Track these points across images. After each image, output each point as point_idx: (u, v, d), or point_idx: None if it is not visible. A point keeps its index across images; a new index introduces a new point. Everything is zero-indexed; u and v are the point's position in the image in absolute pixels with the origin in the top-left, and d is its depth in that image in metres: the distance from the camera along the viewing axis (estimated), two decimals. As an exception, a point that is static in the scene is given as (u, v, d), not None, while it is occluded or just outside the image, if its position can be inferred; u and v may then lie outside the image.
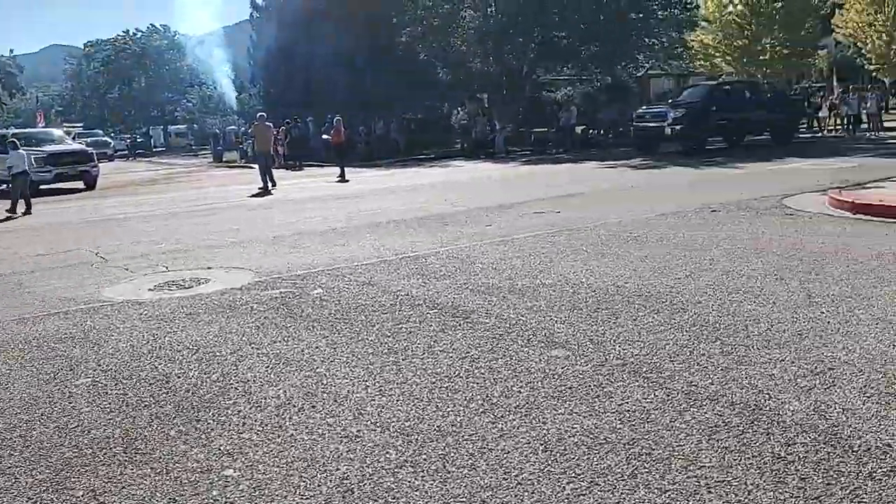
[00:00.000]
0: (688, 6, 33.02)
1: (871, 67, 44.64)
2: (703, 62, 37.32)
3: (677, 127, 21.23)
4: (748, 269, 6.67)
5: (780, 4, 35.83)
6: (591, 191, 14.37)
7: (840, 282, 6.00)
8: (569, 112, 28.87)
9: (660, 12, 32.49)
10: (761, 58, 35.90)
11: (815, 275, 6.30)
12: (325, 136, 26.34)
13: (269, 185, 18.68)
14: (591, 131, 30.57)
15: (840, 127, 27.81)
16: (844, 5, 42.47)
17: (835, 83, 39.50)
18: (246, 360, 4.91)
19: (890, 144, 21.61)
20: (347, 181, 20.33)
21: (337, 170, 21.66)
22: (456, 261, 7.87)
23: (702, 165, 18.16)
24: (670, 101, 23.52)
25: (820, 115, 29.07)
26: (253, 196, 17.66)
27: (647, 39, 33.20)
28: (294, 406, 4.05)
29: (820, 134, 28.19)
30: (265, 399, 4.18)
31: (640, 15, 32.38)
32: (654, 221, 9.92)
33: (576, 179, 16.96)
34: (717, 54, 36.61)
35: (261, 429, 3.78)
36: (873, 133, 26.18)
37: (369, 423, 3.76)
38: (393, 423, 3.73)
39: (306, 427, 3.75)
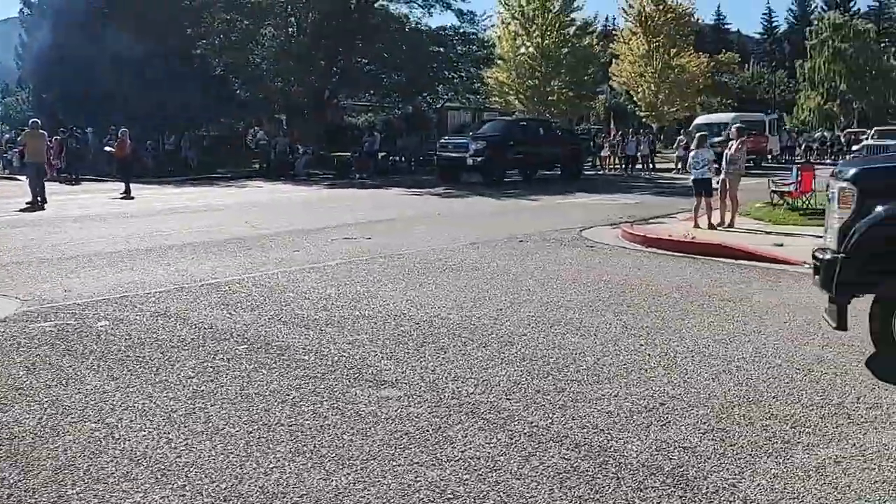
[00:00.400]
0: (486, 44, 34.56)
1: (642, 114, 49.65)
2: (497, 98, 39.20)
3: (478, 158, 21.90)
4: (564, 300, 6.75)
5: (566, 50, 38.65)
6: (398, 217, 14.23)
7: (651, 313, 6.22)
8: (372, 137, 28.84)
9: (459, 47, 33.65)
10: (550, 98, 38.41)
11: (626, 306, 6.49)
12: (107, 149, 24.03)
13: (40, 199, 16.59)
14: (391, 158, 30.77)
15: (619, 166, 30.32)
16: (619, 56, 47.01)
17: (612, 126, 43.24)
18: (11, 409, 4.02)
19: (662, 183, 23.81)
20: (133, 198, 18.60)
21: (120, 186, 19.77)
22: (264, 289, 7.25)
23: (502, 196, 18.81)
24: (471, 133, 24.28)
25: (602, 154, 31.58)
26: (21, 211, 15.55)
27: (446, 73, 34.18)
28: (77, 470, 3.30)
29: (601, 171, 30.55)
30: (37, 462, 3.38)
31: (442, 49, 33.32)
32: (467, 250, 9.92)
33: (382, 205, 16.79)
34: (511, 92, 38.64)
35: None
36: (647, 172, 28.88)
37: (175, 487, 3.13)
38: (206, 487, 3.13)
39: (94, 497, 3.05)
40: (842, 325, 4.71)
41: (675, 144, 28.85)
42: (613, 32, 47.54)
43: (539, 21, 38.44)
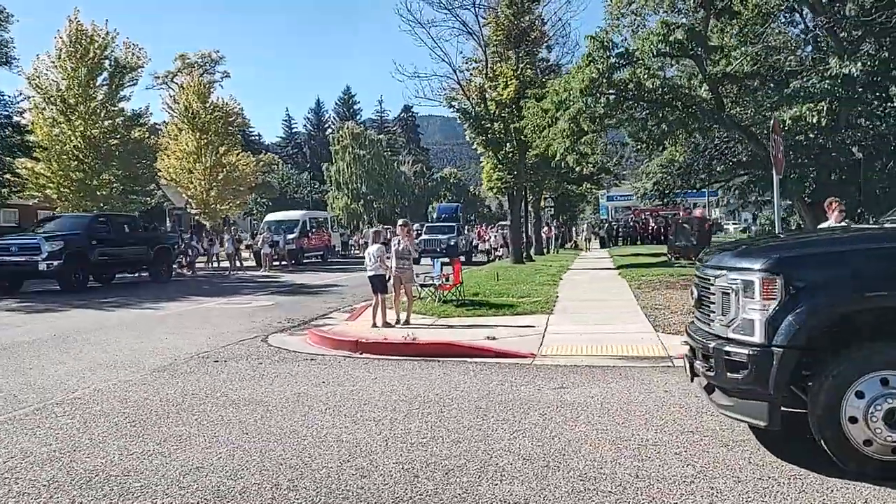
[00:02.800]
0: (21, 129, 29.29)
1: (193, 211, 47.92)
2: (34, 192, 33.54)
3: (55, 262, 17.91)
4: (423, 437, 5.45)
5: (114, 142, 35.27)
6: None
7: (517, 432, 5.35)
8: None
9: (-11, 131, 27.90)
10: (99, 192, 34.37)
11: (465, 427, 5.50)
12: None
13: None
14: None
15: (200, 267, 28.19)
16: (167, 149, 44.83)
17: (167, 223, 40.59)
18: None
19: (265, 282, 22.72)
20: None
21: None
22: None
23: (106, 306, 15.61)
24: (38, 231, 19.77)
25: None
26: None
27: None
28: None
29: (188, 273, 27.88)
30: None
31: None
32: (156, 381, 7.68)
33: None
34: (51, 185, 33.50)
35: None
36: (234, 272, 27.36)
37: None
38: None
39: None
40: (775, 422, 4.54)
41: (260, 241, 28.10)
42: (157, 127, 45.18)
43: (82, 109, 34.40)
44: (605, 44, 13.92)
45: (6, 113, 29.39)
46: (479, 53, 26.38)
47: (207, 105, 46.09)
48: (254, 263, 30.49)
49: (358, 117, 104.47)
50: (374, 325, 11.46)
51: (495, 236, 37.26)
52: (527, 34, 23.49)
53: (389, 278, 12.01)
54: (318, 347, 10.09)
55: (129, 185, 35.98)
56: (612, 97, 14.21)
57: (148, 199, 39.58)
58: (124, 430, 5.69)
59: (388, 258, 12.06)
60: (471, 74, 25.10)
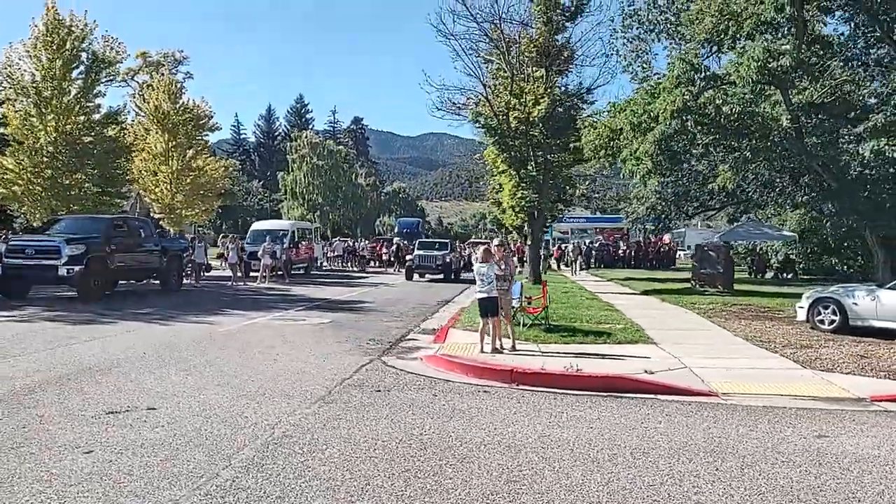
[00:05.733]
0: (-2, 121, 27.20)
1: (157, 216, 45.69)
2: (2, 189, 31.18)
3: (75, 268, 16.34)
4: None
5: (89, 139, 33.27)
6: (106, 365, 9.33)
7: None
8: None
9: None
10: (72, 192, 32.29)
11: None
12: None
13: None
14: None
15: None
16: (134, 152, 42.63)
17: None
18: None
19: (283, 295, 21.51)
20: None
21: None
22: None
23: (151, 320, 14.27)
24: (57, 233, 17.94)
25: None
26: None
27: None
28: None
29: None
30: None
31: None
32: (346, 415, 6.89)
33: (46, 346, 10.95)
34: (20, 182, 31.24)
35: None
36: (234, 283, 25.84)
37: None
38: None
39: None
40: None
41: (261, 251, 26.58)
42: (123, 127, 42.82)
43: (55, 103, 32.28)
44: (696, 66, 13.64)
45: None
46: (494, 70, 25.91)
47: (178, 106, 44.17)
48: (228, 273, 28.80)
49: (310, 126, 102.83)
50: (483, 351, 10.76)
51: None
52: (561, 52, 23.15)
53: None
54: (456, 375, 9.32)
55: (104, 185, 33.92)
56: (695, 120, 13.93)
57: (122, 201, 37.44)
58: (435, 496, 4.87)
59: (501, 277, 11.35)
60: (494, 91, 24.53)
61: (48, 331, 12.21)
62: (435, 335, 12.96)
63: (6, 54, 32.37)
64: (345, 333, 12.99)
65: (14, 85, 32.40)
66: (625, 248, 49.57)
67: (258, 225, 34.53)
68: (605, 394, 8.27)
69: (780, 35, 13.57)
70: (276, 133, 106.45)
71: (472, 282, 11.97)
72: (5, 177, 31.16)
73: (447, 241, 34.66)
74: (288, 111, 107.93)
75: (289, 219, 71.71)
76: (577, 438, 6.18)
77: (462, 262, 35.86)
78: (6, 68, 32.07)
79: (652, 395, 8.25)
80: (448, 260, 31.73)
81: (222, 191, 48.11)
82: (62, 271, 16.31)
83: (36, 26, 32.79)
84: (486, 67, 26.16)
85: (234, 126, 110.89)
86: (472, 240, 61.80)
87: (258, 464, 5.30)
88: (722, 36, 12.94)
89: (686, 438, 6.29)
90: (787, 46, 13.32)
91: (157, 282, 20.94)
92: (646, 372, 9.29)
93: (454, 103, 25.59)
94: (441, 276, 31.11)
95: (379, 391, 8.02)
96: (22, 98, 32.45)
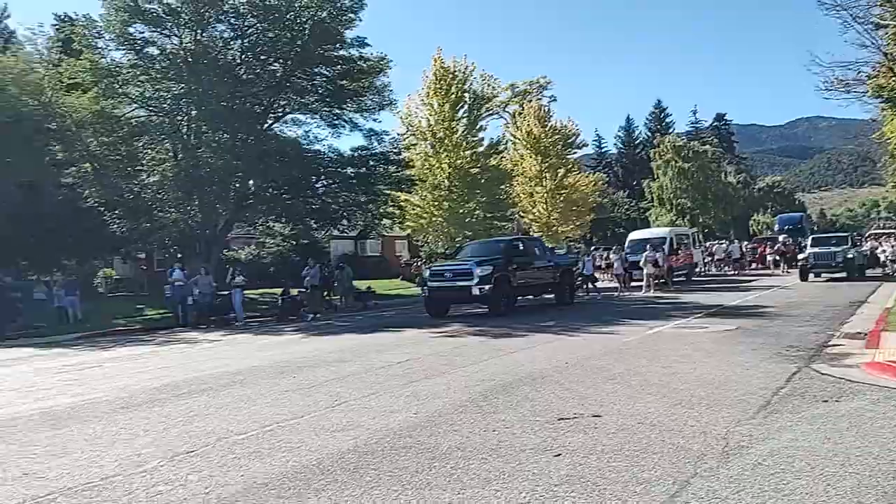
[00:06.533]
0: (406, 164, 31.60)
1: (536, 233, 48.64)
2: (412, 223, 36.19)
3: (485, 287, 18.31)
4: None
5: (476, 170, 36.79)
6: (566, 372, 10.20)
7: None
8: (313, 270, 24.41)
9: (380, 168, 30.43)
10: (467, 220, 36.02)
11: None
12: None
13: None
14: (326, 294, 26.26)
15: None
16: (514, 177, 46.09)
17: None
18: None
19: (674, 303, 21.37)
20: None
21: None
22: None
23: (572, 332, 15.22)
24: (466, 257, 20.53)
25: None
26: None
27: (364, 196, 30.54)
28: None
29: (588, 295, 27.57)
30: None
31: (362, 170, 29.94)
32: (797, 426, 6.29)
33: (471, 360, 12.58)
34: (425, 215, 35.83)
35: None
36: (620, 293, 26.47)
37: None
38: None
39: None
40: None
41: (643, 259, 26.81)
42: (503, 155, 46.68)
43: (447, 142, 36.46)
44: None
45: (391, 151, 31.81)
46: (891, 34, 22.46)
47: (547, 128, 46.71)
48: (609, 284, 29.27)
49: (671, 130, 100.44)
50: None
51: (893, 247, 32.01)
52: None
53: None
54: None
55: (490, 210, 37.30)
56: None
57: (505, 223, 40.76)
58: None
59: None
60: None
61: (477, 344, 13.71)
62: (865, 340, 11.64)
63: (406, 105, 37.58)
64: (757, 340, 12.34)
65: (415, 131, 37.44)
66: None
67: (636, 234, 34.64)
68: None
69: None
70: (637, 142, 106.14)
71: (883, 279, 10.48)
72: (414, 212, 36.05)
73: (846, 234, 30.97)
74: (647, 118, 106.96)
75: (657, 225, 70.91)
76: None
77: (865, 257, 31.74)
78: (407, 117, 37.21)
79: None
80: (850, 256, 28.40)
81: (594, 205, 49.60)
82: (475, 290, 18.33)
83: (427, 77, 37.54)
84: (879, 34, 22.86)
85: (595, 140, 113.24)
86: (873, 230, 54.36)
87: (726, 474, 5.24)
88: None
89: None
90: None
91: (552, 295, 22.23)
92: None
93: (841, 80, 22.83)
94: (843, 274, 27.98)
95: (826, 401, 7.41)
96: (421, 141, 37.34)
